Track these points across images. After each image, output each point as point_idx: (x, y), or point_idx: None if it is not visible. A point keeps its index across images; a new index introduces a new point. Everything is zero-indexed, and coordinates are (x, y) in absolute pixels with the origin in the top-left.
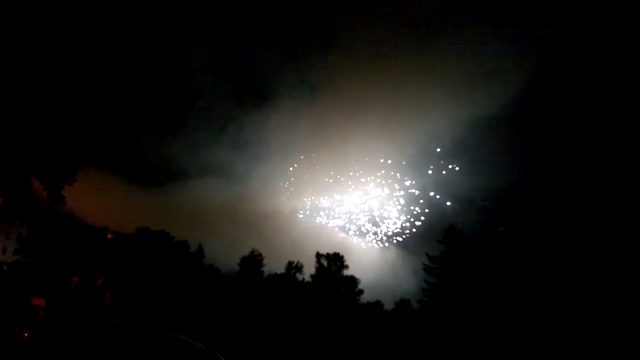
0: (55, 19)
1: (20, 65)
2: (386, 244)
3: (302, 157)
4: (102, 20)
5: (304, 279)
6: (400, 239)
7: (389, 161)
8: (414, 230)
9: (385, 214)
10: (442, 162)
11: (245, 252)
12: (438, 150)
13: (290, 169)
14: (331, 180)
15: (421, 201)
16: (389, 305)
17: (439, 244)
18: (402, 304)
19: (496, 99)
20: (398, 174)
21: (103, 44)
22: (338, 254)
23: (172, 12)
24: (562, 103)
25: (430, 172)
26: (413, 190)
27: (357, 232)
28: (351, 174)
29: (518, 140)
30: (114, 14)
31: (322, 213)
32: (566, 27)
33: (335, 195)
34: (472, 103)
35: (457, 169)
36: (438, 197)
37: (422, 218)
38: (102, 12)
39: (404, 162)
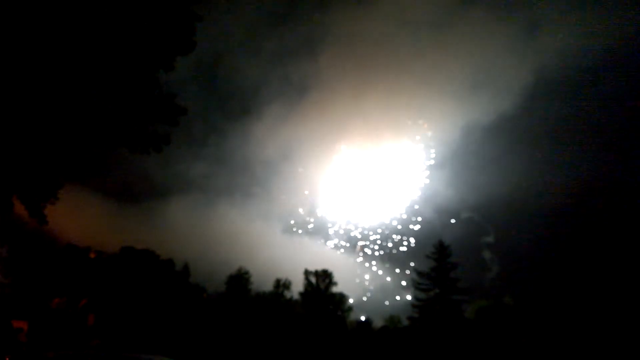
0: (39, 36)
1: (1, 80)
2: (374, 259)
3: (289, 169)
4: (85, 37)
5: (292, 296)
6: (388, 254)
7: (379, 172)
8: (402, 243)
9: (374, 228)
10: (430, 172)
11: (232, 269)
12: (427, 160)
13: (277, 181)
14: (319, 193)
15: (409, 215)
16: (378, 322)
17: (428, 259)
18: (392, 320)
19: (492, 107)
20: (388, 185)
21: (86, 60)
22: (326, 270)
23: (157, 29)
24: (560, 113)
25: (417, 182)
26: (401, 203)
27: (346, 248)
28: (340, 185)
29: (509, 151)
30: (97, 31)
31: (310, 228)
32: (568, 29)
33: (323, 208)
34: (468, 111)
35: (444, 179)
36: (424, 208)
37: (410, 229)
38: (86, 29)
39: (394, 173)
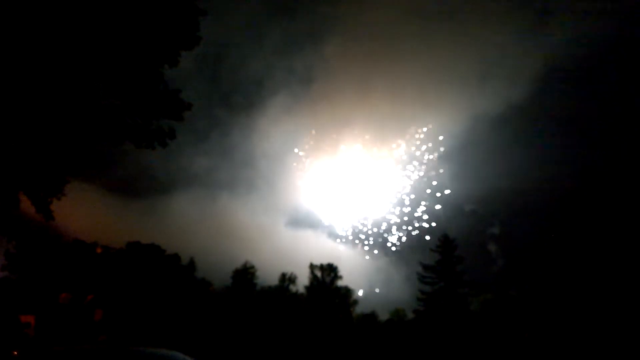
0: (43, 32)
1: (7, 76)
2: (379, 252)
3: (293, 162)
4: (90, 33)
5: (297, 290)
6: (392, 247)
7: (384, 164)
8: (407, 236)
9: (379, 221)
10: (437, 164)
11: (238, 263)
12: (434, 152)
13: (281, 174)
14: (325, 186)
15: (415, 208)
16: (383, 315)
17: (433, 252)
18: (397, 313)
19: (501, 97)
20: (393, 178)
21: (91, 55)
22: (332, 264)
23: (161, 24)
24: (571, 103)
25: (421, 175)
26: (405, 196)
27: (350, 241)
28: (345, 178)
29: (518, 141)
30: (102, 26)
31: (315, 221)
32: (579, 17)
33: (329, 201)
34: (476, 101)
35: (451, 171)
36: (430, 201)
37: (415, 223)
38: (90, 24)
39: (399, 166)
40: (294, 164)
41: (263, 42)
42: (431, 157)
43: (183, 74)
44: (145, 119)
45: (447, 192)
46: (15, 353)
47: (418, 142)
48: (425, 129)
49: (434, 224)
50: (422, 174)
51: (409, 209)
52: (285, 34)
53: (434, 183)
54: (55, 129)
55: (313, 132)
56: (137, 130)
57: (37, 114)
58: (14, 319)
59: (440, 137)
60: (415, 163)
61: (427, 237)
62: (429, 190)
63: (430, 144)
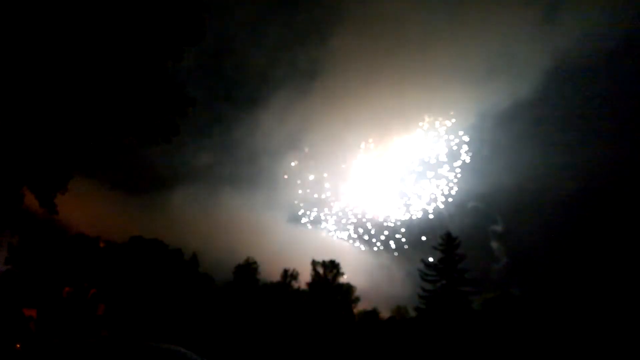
0: (52, 25)
1: (12, 73)
2: (380, 249)
3: (296, 160)
4: (96, 27)
5: (299, 287)
6: (395, 244)
7: (388, 161)
8: (410, 233)
9: (381, 218)
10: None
11: (240, 259)
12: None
13: (286, 171)
14: (329, 182)
15: (418, 205)
16: (385, 312)
17: (435, 250)
18: (399, 311)
19: (508, 93)
20: (396, 175)
21: (97, 51)
22: (334, 261)
23: (165, 20)
24: (579, 99)
25: (425, 171)
26: (409, 193)
27: (352, 237)
28: (348, 174)
29: (524, 138)
30: (106, 23)
31: (317, 217)
32: (588, 13)
33: (332, 197)
34: (483, 97)
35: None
36: (430, 199)
37: (418, 219)
38: (97, 19)
39: (403, 162)
40: (297, 160)
41: (266, 36)
42: (436, 153)
43: (185, 68)
44: (150, 115)
45: (450, 199)
46: (18, 346)
47: (423, 138)
48: (430, 124)
49: (437, 219)
50: (425, 170)
51: (413, 205)
52: (288, 27)
53: (438, 180)
54: (58, 124)
55: (312, 135)
56: (141, 125)
57: (41, 110)
58: (17, 313)
59: (444, 133)
60: (420, 160)
61: (430, 234)
62: (433, 188)
63: (433, 140)
